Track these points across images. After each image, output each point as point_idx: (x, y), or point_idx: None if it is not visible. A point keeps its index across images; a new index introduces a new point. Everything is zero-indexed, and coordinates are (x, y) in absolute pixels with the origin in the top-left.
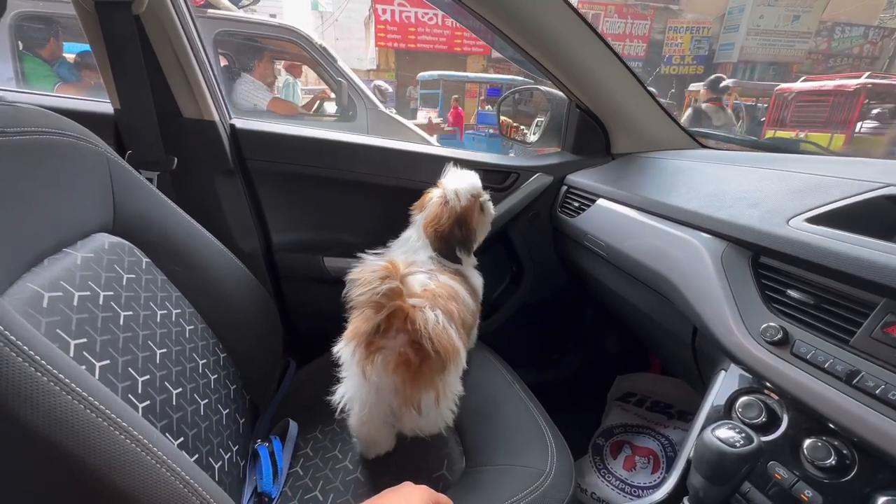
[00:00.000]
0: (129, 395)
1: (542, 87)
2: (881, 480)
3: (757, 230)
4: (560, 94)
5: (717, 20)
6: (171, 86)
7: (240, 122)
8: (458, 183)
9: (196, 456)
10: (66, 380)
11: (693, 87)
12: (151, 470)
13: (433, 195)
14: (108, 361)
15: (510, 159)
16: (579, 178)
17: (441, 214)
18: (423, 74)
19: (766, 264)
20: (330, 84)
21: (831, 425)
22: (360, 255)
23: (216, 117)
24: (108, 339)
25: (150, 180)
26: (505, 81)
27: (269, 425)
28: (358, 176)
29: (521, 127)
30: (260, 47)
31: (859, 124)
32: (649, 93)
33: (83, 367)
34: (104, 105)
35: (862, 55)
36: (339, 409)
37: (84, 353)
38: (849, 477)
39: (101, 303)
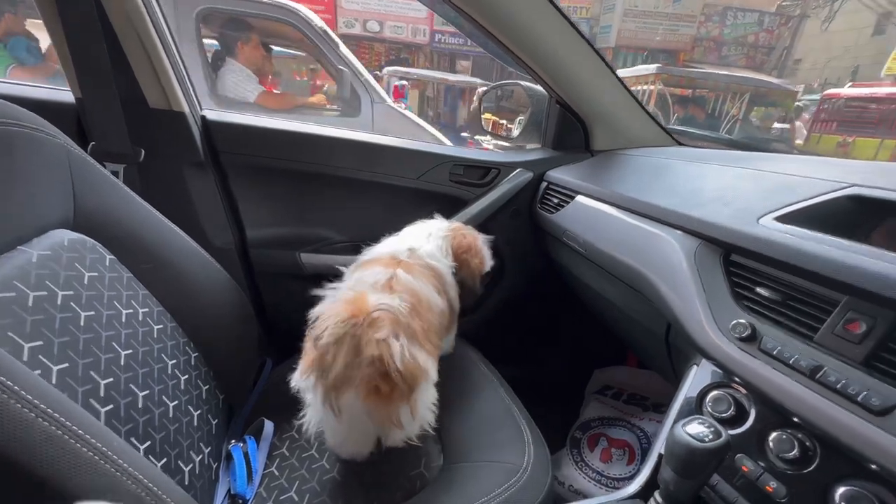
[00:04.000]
0: (90, 400)
1: (524, 83)
2: (842, 471)
3: (728, 228)
4: (541, 89)
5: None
6: (136, 74)
7: (211, 114)
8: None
9: (164, 460)
10: (15, 387)
11: None
12: (110, 478)
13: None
14: (66, 365)
15: (491, 154)
16: (559, 175)
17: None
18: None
19: (736, 262)
20: (331, 73)
21: (795, 419)
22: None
23: (185, 108)
24: (67, 340)
25: (115, 174)
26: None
27: (244, 425)
28: (335, 170)
29: (504, 122)
30: (247, 27)
31: None
32: (628, 90)
33: (38, 371)
34: (64, 93)
35: (757, 44)
36: (311, 436)
37: (40, 356)
38: (811, 468)
39: (59, 303)
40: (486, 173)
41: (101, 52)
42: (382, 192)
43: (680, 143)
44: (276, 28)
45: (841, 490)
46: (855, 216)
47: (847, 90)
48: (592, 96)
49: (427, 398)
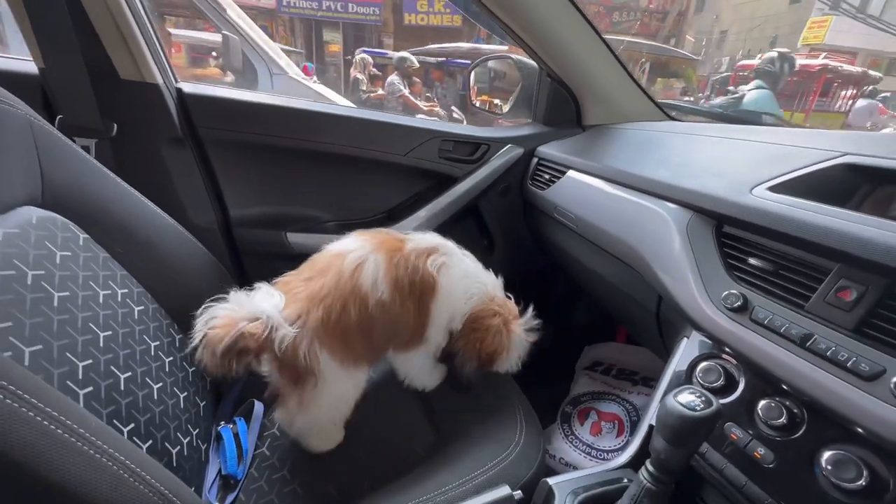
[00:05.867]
0: (68, 382)
1: (514, 56)
2: (828, 436)
3: (721, 199)
4: (532, 63)
5: None
6: (104, 42)
7: (188, 86)
8: None
9: (150, 442)
10: None
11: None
12: (89, 460)
13: None
14: (40, 346)
15: (481, 130)
16: (550, 150)
17: None
18: None
19: (729, 233)
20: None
21: (784, 386)
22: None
23: (159, 79)
24: (40, 321)
25: (87, 149)
26: None
27: (233, 407)
28: (321, 146)
29: (498, 102)
30: None
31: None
32: (622, 63)
33: (8, 353)
34: (27, 63)
35: (651, 8)
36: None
37: (10, 337)
38: (798, 434)
39: (29, 282)
40: (475, 149)
41: (62, 17)
42: (370, 168)
43: (671, 118)
44: None
45: (827, 454)
46: (848, 184)
47: (758, 62)
48: (584, 70)
49: (324, 399)
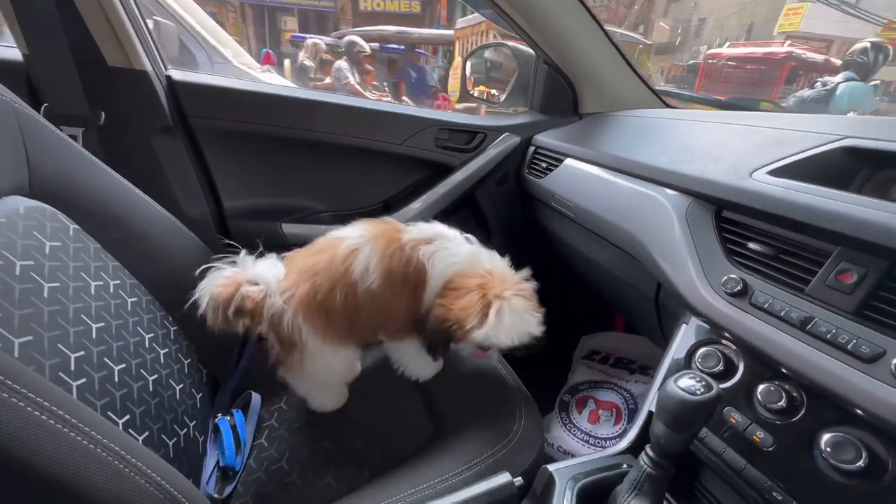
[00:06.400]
0: (60, 374)
1: (510, 44)
2: (827, 418)
3: (720, 184)
4: (528, 50)
5: None
6: (90, 28)
7: (178, 74)
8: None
9: (146, 433)
10: None
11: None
12: (83, 451)
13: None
14: (30, 337)
15: (477, 119)
16: (547, 139)
17: None
18: None
19: (728, 218)
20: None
21: (784, 370)
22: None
23: (148, 66)
24: (30, 313)
25: (74, 138)
26: None
27: (231, 399)
28: (315, 135)
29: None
30: None
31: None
32: (619, 50)
33: None
34: (11, 50)
35: None
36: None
37: None
38: (797, 417)
39: (17, 273)
40: (472, 138)
41: (46, 1)
42: (365, 158)
43: (669, 106)
44: None
45: (826, 437)
46: (849, 168)
47: (727, 50)
48: (581, 57)
49: (310, 368)
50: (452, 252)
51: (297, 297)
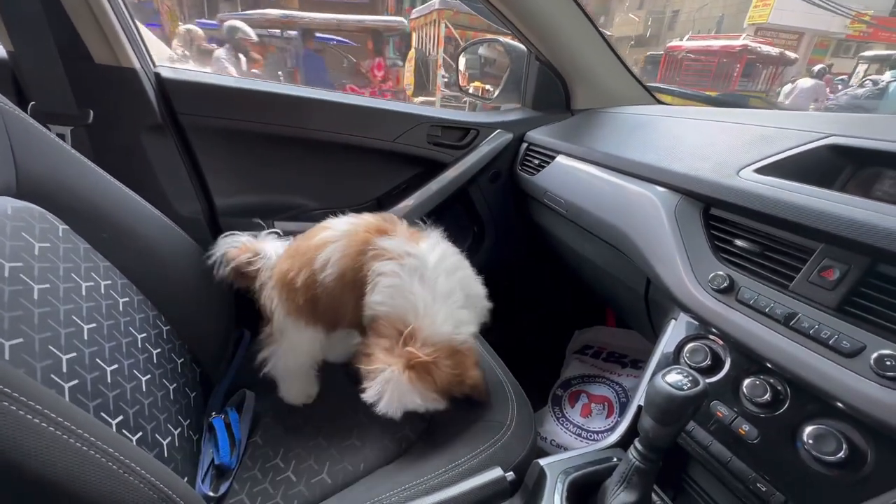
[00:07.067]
0: (52, 375)
1: (503, 39)
2: (810, 412)
3: (708, 181)
4: (521, 46)
5: None
6: (75, 24)
7: (167, 71)
8: None
9: (140, 434)
10: None
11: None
12: (76, 453)
13: None
14: (20, 340)
15: (469, 115)
16: (539, 135)
17: None
18: None
19: (716, 216)
20: None
21: (769, 365)
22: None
23: (136, 64)
24: (20, 315)
25: (62, 136)
26: None
27: (225, 398)
28: (307, 133)
29: (490, 87)
30: None
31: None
32: (611, 46)
33: None
34: None
35: None
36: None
37: None
38: (781, 410)
39: (6, 275)
40: (464, 135)
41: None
42: (357, 155)
43: (660, 102)
44: None
45: (808, 429)
46: (833, 165)
47: (686, 42)
48: (574, 53)
49: (279, 342)
50: (397, 289)
51: (275, 272)
